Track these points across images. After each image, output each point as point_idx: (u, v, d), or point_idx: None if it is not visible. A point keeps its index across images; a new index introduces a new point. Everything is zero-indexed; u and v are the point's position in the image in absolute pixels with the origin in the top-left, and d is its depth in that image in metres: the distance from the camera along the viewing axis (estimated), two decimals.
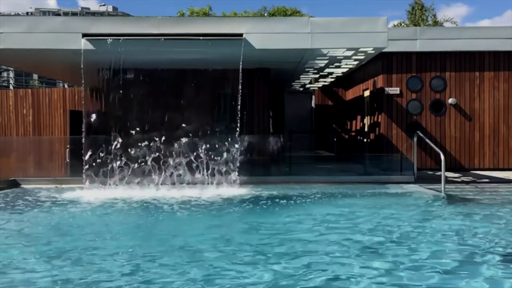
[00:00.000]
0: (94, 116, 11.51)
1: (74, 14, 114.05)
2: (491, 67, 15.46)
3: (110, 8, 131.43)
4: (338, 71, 16.81)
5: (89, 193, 10.87)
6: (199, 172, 11.61)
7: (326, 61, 14.47)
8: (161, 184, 11.42)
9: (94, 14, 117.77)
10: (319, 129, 21.97)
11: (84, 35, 11.64)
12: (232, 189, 11.25)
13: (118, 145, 11.42)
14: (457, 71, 15.47)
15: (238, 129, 12.07)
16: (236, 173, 11.56)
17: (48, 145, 14.95)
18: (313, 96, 22.43)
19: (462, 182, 12.56)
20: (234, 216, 8.79)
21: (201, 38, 11.49)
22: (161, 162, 11.52)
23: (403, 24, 37.33)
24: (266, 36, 11.83)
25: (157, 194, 10.62)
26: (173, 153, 11.61)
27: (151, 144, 11.55)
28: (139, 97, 13.96)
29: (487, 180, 12.85)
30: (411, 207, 9.28)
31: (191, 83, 14.60)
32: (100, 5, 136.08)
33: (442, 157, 11.00)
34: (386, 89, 15.41)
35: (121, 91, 13.31)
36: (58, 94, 19.88)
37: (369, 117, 17.26)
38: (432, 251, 6.07)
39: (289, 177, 12.81)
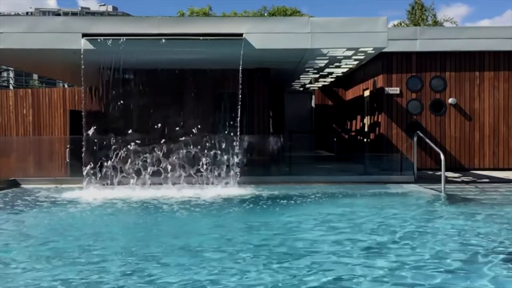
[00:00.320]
0: (92, 129, 11.48)
1: (74, 14, 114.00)
2: (491, 67, 15.46)
3: (110, 8, 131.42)
4: (338, 71, 16.81)
5: (89, 193, 10.86)
6: (199, 172, 11.60)
7: (326, 61, 14.47)
8: (161, 184, 11.41)
9: (94, 14, 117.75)
10: (319, 129, 21.96)
11: (84, 35, 11.64)
12: (232, 189, 11.24)
13: (118, 145, 11.41)
14: (457, 71, 15.47)
15: (238, 129, 12.06)
16: (236, 173, 11.56)
17: (48, 145, 14.94)
18: (313, 96, 22.43)
19: (462, 182, 12.57)
20: (234, 216, 8.79)
21: (201, 38, 11.49)
22: (161, 162, 11.51)
23: (403, 24, 37.31)
24: (266, 36, 11.82)
25: (157, 194, 10.62)
26: (173, 152, 11.60)
27: (151, 144, 11.54)
28: (139, 96, 13.96)
29: (487, 180, 12.85)
30: (412, 207, 9.28)
31: (191, 83, 14.60)
32: (100, 5, 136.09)
33: (442, 157, 11.00)
34: (386, 89, 15.41)
35: (121, 91, 13.30)
36: (58, 94, 19.88)
37: (369, 117, 17.26)
38: (434, 251, 6.07)
39: (289, 177, 12.81)
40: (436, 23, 36.33)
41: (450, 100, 15.40)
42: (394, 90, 15.40)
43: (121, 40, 11.50)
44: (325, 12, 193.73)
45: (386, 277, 5.07)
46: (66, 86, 32.57)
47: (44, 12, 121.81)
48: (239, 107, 12.29)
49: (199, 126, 12.15)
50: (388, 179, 12.45)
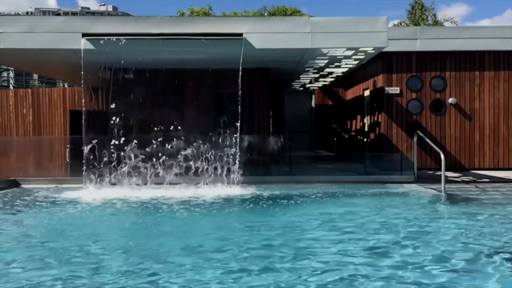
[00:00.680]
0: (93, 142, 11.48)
1: (74, 14, 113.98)
2: (491, 67, 15.45)
3: (110, 8, 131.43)
4: (338, 71, 16.81)
5: (89, 193, 10.86)
6: (199, 172, 11.59)
7: (326, 61, 14.46)
8: (161, 184, 11.41)
9: (94, 14, 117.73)
10: (319, 129, 21.96)
11: (84, 35, 11.64)
12: (232, 189, 11.23)
13: (118, 145, 11.41)
14: (457, 71, 15.47)
15: (238, 128, 12.06)
16: (236, 173, 11.55)
17: (48, 145, 14.94)
18: (313, 96, 22.42)
19: (462, 181, 12.56)
20: (235, 216, 8.77)
21: (201, 38, 11.48)
22: (161, 162, 11.50)
23: (403, 24, 37.30)
24: (266, 36, 11.82)
25: (157, 194, 10.61)
26: (173, 152, 11.59)
27: (151, 144, 11.53)
28: (139, 96, 13.95)
29: (487, 179, 12.85)
30: (412, 207, 9.27)
31: (191, 83, 14.59)
32: (100, 5, 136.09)
33: (442, 156, 11.00)
34: (386, 88, 15.41)
35: (120, 91, 13.30)
36: (58, 94, 19.88)
37: (369, 116, 17.26)
38: (437, 250, 6.07)
39: (289, 177, 12.81)
40: (436, 23, 36.33)
41: (450, 100, 15.40)
42: (394, 90, 15.40)
43: (121, 40, 11.50)
44: (325, 12, 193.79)
45: (389, 276, 5.06)
46: (66, 86, 32.56)
47: (44, 12, 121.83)
48: (239, 107, 12.28)
49: (199, 126, 12.13)
50: (388, 179, 12.44)
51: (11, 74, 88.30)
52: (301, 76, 17.85)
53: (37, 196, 10.71)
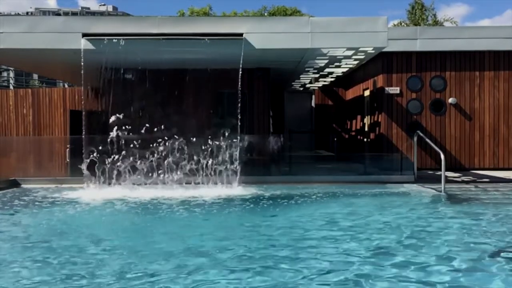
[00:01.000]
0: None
1: (74, 14, 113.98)
2: (491, 67, 15.45)
3: (110, 8, 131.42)
4: (338, 71, 16.81)
5: (89, 193, 10.85)
6: (200, 172, 11.59)
7: (326, 61, 14.46)
8: (162, 184, 11.40)
9: (94, 14, 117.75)
10: (319, 129, 21.95)
11: (84, 35, 11.64)
12: (233, 189, 11.23)
13: (118, 145, 11.41)
14: (457, 71, 15.47)
15: (238, 128, 12.06)
16: (236, 173, 11.54)
17: (48, 145, 14.94)
18: (313, 96, 22.41)
19: (463, 181, 12.56)
20: (235, 216, 8.76)
21: (201, 38, 11.48)
22: (161, 162, 11.50)
23: (403, 24, 37.30)
24: (266, 36, 11.82)
25: (157, 194, 10.61)
26: (173, 152, 11.59)
27: (151, 144, 11.53)
28: (139, 96, 13.95)
29: (487, 179, 12.85)
30: (413, 207, 9.26)
31: (191, 83, 14.59)
32: (100, 5, 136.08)
33: (442, 156, 11.00)
34: (386, 88, 15.41)
35: (120, 91, 13.30)
36: (58, 94, 19.87)
37: (369, 116, 17.26)
38: (439, 250, 6.08)
39: (289, 177, 12.81)
40: (436, 23, 36.33)
41: (450, 100, 15.40)
42: (394, 90, 15.40)
43: (121, 40, 11.50)
44: (325, 12, 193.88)
45: (393, 276, 5.07)
46: (66, 86, 32.57)
47: (44, 12, 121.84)
48: (239, 106, 12.28)
49: (199, 126, 12.13)
50: (388, 179, 12.44)
51: (11, 74, 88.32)
52: (301, 76, 17.85)
53: (37, 196, 10.70)
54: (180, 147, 11.60)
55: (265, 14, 48.13)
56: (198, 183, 11.50)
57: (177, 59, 13.36)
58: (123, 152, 11.37)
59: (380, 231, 7.25)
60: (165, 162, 11.47)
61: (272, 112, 18.81)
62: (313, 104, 22.41)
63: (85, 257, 5.94)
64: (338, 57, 13.74)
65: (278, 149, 13.53)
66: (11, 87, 77.26)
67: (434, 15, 37.43)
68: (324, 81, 19.78)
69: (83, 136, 11.98)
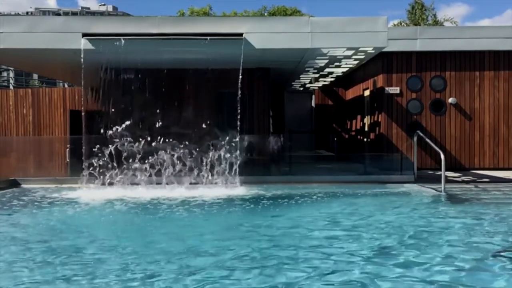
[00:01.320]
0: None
1: (74, 13, 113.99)
2: (491, 67, 15.45)
3: (110, 8, 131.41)
4: (338, 71, 16.81)
5: (89, 193, 10.85)
6: (200, 172, 11.58)
7: (326, 61, 14.46)
8: (162, 184, 11.40)
9: (94, 13, 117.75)
10: (319, 128, 21.95)
11: (84, 35, 11.63)
12: (233, 189, 11.22)
13: (118, 145, 11.41)
14: (457, 71, 15.47)
15: (238, 128, 12.05)
16: (236, 173, 11.54)
17: (48, 145, 14.94)
18: (313, 96, 22.41)
19: (463, 181, 12.56)
20: (236, 216, 8.76)
21: (201, 37, 11.48)
22: (161, 162, 11.50)
23: (403, 24, 37.32)
24: (266, 36, 11.82)
25: (157, 194, 10.60)
26: (174, 152, 11.58)
27: (151, 144, 11.52)
28: (138, 96, 13.95)
29: (487, 179, 12.85)
30: (414, 207, 9.26)
31: (191, 83, 14.58)
32: (100, 5, 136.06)
33: (442, 156, 11.00)
34: (386, 88, 15.41)
35: (120, 91, 13.30)
36: (58, 94, 19.87)
37: (369, 116, 17.25)
38: (442, 250, 6.08)
39: (289, 177, 12.80)
40: (436, 22, 36.33)
41: (450, 100, 15.40)
42: (394, 89, 15.40)
43: (121, 40, 11.49)
44: (325, 12, 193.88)
45: (396, 276, 5.07)
46: (66, 86, 32.57)
47: (44, 12, 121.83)
48: (239, 106, 12.27)
49: (199, 126, 12.13)
50: (388, 179, 12.44)
51: (11, 74, 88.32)
52: (301, 76, 17.84)
53: (37, 196, 10.70)
54: (180, 147, 11.60)
55: (265, 14, 48.14)
56: (198, 183, 11.49)
57: (177, 59, 13.36)
58: (123, 153, 11.37)
59: (382, 231, 7.24)
60: (165, 162, 11.46)
61: (272, 112, 18.81)
62: (313, 104, 22.41)
63: (85, 257, 5.94)
64: (338, 57, 13.74)
65: (278, 149, 13.52)
66: (11, 87, 77.27)
67: (434, 15, 37.46)
68: (324, 81, 19.78)
69: (83, 136, 11.96)
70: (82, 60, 11.68)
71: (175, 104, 14.31)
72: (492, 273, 5.20)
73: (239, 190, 11.07)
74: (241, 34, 11.61)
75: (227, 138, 11.83)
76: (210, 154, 11.66)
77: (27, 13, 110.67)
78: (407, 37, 15.31)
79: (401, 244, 6.42)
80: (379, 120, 15.85)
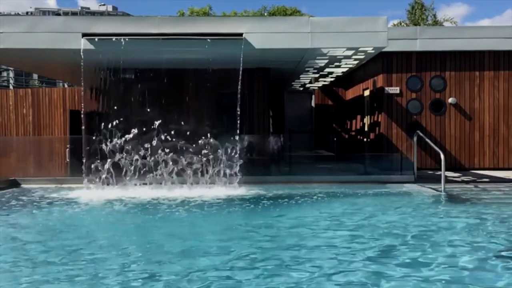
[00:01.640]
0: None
1: (74, 13, 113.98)
2: (491, 67, 15.45)
3: (110, 8, 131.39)
4: (338, 71, 16.81)
5: (89, 193, 10.85)
6: (199, 172, 11.58)
7: (326, 61, 14.46)
8: (161, 184, 11.39)
9: (94, 13, 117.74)
10: (319, 128, 21.95)
11: (84, 35, 11.63)
12: (233, 189, 11.21)
13: (118, 145, 11.41)
14: (457, 71, 15.47)
15: (238, 128, 12.05)
16: (236, 173, 11.53)
17: (48, 145, 14.94)
18: (313, 96, 22.42)
19: (462, 181, 12.56)
20: (236, 216, 8.74)
21: (201, 37, 11.48)
22: (161, 162, 11.49)
23: (403, 24, 37.33)
24: (266, 36, 11.82)
25: (157, 194, 10.60)
26: (174, 153, 11.58)
27: (151, 144, 11.52)
28: (138, 96, 13.95)
29: (487, 179, 12.85)
30: (414, 207, 9.26)
31: (191, 83, 14.58)
32: (100, 5, 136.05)
33: (442, 156, 11.00)
34: (386, 88, 15.41)
35: (120, 91, 13.30)
36: (58, 94, 19.88)
37: (369, 116, 17.26)
38: (444, 250, 6.08)
39: (289, 177, 12.81)
40: (436, 22, 36.34)
41: (450, 100, 15.40)
42: (394, 89, 15.40)
43: (121, 40, 11.49)
44: (325, 12, 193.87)
45: (399, 276, 5.07)
46: (66, 86, 32.57)
47: (44, 12, 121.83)
48: (239, 106, 12.27)
49: (198, 126, 12.12)
50: (388, 179, 12.44)
51: (11, 74, 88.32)
52: (301, 76, 17.85)
53: (37, 196, 10.69)
54: (179, 147, 11.60)
55: (265, 14, 48.15)
56: (198, 183, 11.48)
57: (177, 59, 13.35)
58: (123, 153, 11.36)
59: (382, 231, 7.23)
60: (166, 162, 11.46)
61: (272, 112, 18.81)
62: (313, 104, 22.42)
63: (85, 257, 5.94)
64: (338, 57, 13.74)
65: (278, 149, 13.53)
66: (11, 87, 77.26)
67: (434, 15, 37.48)
68: (324, 81, 19.78)
69: (82, 136, 11.96)
70: (82, 60, 11.68)
71: (174, 104, 14.30)
72: (495, 273, 5.20)
73: (239, 190, 11.07)
74: (241, 34, 11.61)
75: (227, 138, 11.83)
76: (210, 154, 11.66)
77: (27, 13, 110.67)
78: (407, 37, 15.31)
79: (403, 244, 6.41)
80: (379, 120, 15.85)
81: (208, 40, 11.50)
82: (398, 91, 15.40)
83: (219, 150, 11.68)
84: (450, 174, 13.77)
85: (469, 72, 15.46)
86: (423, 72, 15.44)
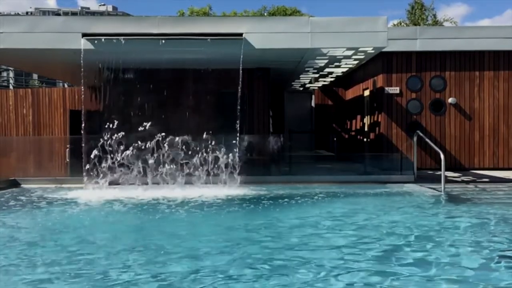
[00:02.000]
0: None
1: (74, 13, 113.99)
2: (491, 67, 15.45)
3: (110, 8, 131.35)
4: (338, 71, 16.81)
5: (89, 193, 10.85)
6: (200, 172, 11.58)
7: (326, 61, 14.46)
8: (162, 184, 11.39)
9: (94, 14, 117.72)
10: (319, 128, 21.95)
11: (84, 35, 11.63)
12: (233, 189, 11.21)
13: (118, 145, 11.41)
14: (457, 71, 15.47)
15: (238, 128, 12.05)
16: (236, 173, 11.53)
17: (48, 145, 14.94)
18: (313, 96, 22.40)
19: (462, 181, 12.56)
20: (237, 216, 8.73)
21: (201, 37, 11.48)
22: (161, 162, 11.49)
23: (403, 24, 37.33)
24: (266, 36, 11.82)
25: (157, 194, 10.60)
26: (174, 153, 11.58)
27: (151, 144, 11.52)
28: (138, 96, 13.95)
29: (487, 179, 12.85)
30: (414, 207, 9.26)
31: (191, 83, 14.58)
32: (100, 5, 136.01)
33: (442, 156, 11.00)
34: (386, 88, 15.41)
35: (120, 91, 13.30)
36: (58, 94, 19.88)
37: (369, 116, 17.26)
38: (446, 249, 6.09)
39: (289, 176, 12.81)
40: (436, 22, 36.34)
41: (450, 100, 15.40)
42: (394, 89, 15.40)
43: (121, 40, 11.50)
44: (325, 12, 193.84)
45: (401, 276, 5.08)
46: (66, 86, 32.58)
47: (44, 12, 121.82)
48: (239, 106, 12.27)
49: (199, 126, 12.12)
50: (388, 179, 12.45)
51: (11, 74, 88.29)
52: (301, 76, 17.85)
53: (36, 197, 10.69)
54: (179, 147, 11.60)
55: (265, 14, 48.14)
56: (198, 183, 11.48)
57: (177, 59, 13.36)
58: (123, 152, 11.37)
59: (384, 231, 7.24)
60: (166, 162, 11.46)
61: (272, 112, 18.80)
62: (313, 104, 22.41)
63: (83, 257, 5.94)
64: (338, 57, 13.74)
65: (278, 149, 13.52)
66: (11, 87, 77.26)
67: (434, 15, 37.47)
68: (324, 81, 19.78)
69: (82, 136, 11.96)
70: (82, 60, 11.68)
71: (175, 104, 14.31)
72: (499, 273, 5.20)
73: (239, 190, 11.07)
74: (241, 34, 11.61)
75: (227, 138, 11.83)
76: (210, 154, 11.66)
77: (27, 13, 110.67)
78: (407, 37, 15.31)
79: (405, 244, 6.42)
80: (379, 120, 15.85)
81: (208, 40, 11.50)
82: (398, 91, 15.40)
83: (219, 150, 11.68)
84: (450, 174, 13.77)
85: (469, 72, 15.46)
86: (423, 72, 15.44)
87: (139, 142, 11.49)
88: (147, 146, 11.46)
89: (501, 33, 15.41)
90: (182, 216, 8.59)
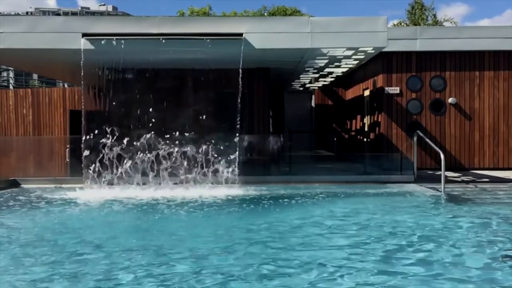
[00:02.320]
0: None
1: (74, 13, 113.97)
2: (491, 67, 15.45)
3: (110, 8, 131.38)
4: (338, 71, 16.81)
5: (89, 193, 10.85)
6: (200, 172, 11.58)
7: (326, 61, 14.46)
8: (162, 184, 11.39)
9: (94, 14, 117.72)
10: (319, 128, 21.96)
11: (84, 35, 11.63)
12: (233, 189, 11.21)
13: (118, 145, 11.41)
14: (457, 71, 15.46)
15: (238, 128, 12.05)
16: (236, 173, 11.53)
17: (48, 144, 14.94)
18: (313, 96, 22.42)
19: (462, 181, 12.56)
20: (236, 216, 8.73)
21: (201, 37, 11.48)
22: (161, 162, 11.49)
23: (403, 24, 37.32)
24: (266, 36, 11.82)
25: (156, 195, 10.59)
26: (174, 153, 11.58)
27: (151, 144, 11.52)
28: (138, 96, 13.95)
29: (487, 179, 12.85)
30: (414, 207, 9.26)
31: (191, 83, 14.58)
32: (100, 5, 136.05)
33: (442, 156, 10.99)
34: (386, 88, 15.41)
35: (120, 91, 13.29)
36: (58, 94, 19.89)
37: (369, 116, 17.25)
38: (448, 249, 6.08)
39: (289, 176, 12.80)
40: (436, 22, 36.33)
41: (450, 100, 15.39)
42: (394, 89, 15.40)
43: (121, 40, 11.49)
44: (325, 12, 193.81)
45: (402, 276, 5.08)
46: (66, 86, 32.58)
47: (44, 12, 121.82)
48: (239, 106, 12.27)
49: (199, 126, 12.12)
50: (388, 179, 12.45)
51: (11, 74, 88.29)
52: (301, 76, 17.84)
53: (36, 197, 10.68)
54: (180, 147, 11.59)
55: (265, 14, 48.12)
56: (198, 183, 11.48)
57: (177, 59, 13.36)
58: (123, 153, 11.36)
59: (385, 231, 7.23)
60: (166, 162, 11.46)
61: (272, 112, 18.81)
62: (313, 104, 22.42)
63: (83, 257, 5.94)
64: (338, 57, 13.74)
65: (278, 149, 13.52)
66: (11, 87, 77.26)
67: (434, 15, 37.46)
68: (324, 81, 19.78)
69: (82, 136, 11.96)
70: (82, 60, 11.68)
71: (175, 105, 14.30)
72: (503, 272, 5.20)
73: (239, 190, 11.07)
74: (241, 34, 11.61)
75: (228, 138, 11.82)
76: (210, 154, 11.65)
77: (27, 13, 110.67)
78: (407, 37, 15.31)
79: (407, 244, 6.41)
80: (379, 120, 15.85)
81: (208, 40, 11.50)
82: (398, 91, 15.40)
83: (219, 150, 11.68)
84: (450, 174, 13.76)
85: (469, 72, 15.46)
86: (423, 72, 15.44)
87: (139, 142, 11.48)
88: (146, 146, 11.45)
89: (501, 33, 15.40)
90: (182, 217, 8.58)
